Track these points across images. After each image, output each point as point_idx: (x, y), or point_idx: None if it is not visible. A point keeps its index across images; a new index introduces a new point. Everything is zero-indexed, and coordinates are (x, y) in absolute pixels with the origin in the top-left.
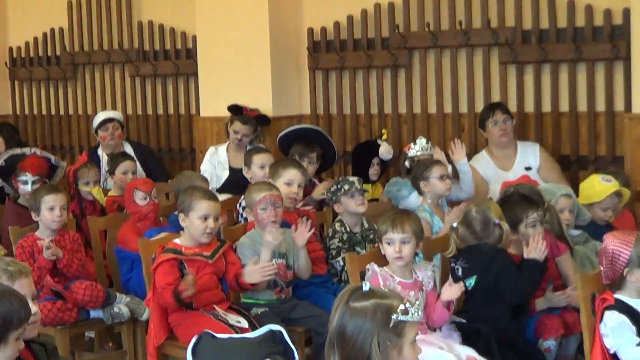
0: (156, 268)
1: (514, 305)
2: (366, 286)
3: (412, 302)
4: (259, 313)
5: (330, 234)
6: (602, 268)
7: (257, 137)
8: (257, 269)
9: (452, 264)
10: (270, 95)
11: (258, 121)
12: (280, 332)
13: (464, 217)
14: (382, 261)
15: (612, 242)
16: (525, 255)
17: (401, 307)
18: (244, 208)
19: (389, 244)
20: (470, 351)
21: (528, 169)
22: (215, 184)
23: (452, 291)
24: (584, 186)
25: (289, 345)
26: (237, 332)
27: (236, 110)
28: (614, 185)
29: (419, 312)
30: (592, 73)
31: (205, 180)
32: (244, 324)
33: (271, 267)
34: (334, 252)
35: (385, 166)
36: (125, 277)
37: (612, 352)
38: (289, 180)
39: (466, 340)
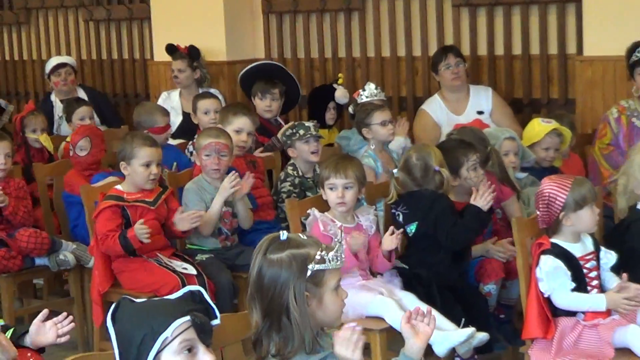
0: (98, 215)
1: (453, 251)
2: (283, 236)
3: (330, 248)
4: (204, 259)
5: (282, 178)
6: (538, 212)
7: (205, 80)
8: (185, 217)
9: (393, 210)
10: (224, 39)
11: (190, 55)
12: (199, 292)
13: (404, 163)
14: (324, 206)
15: (548, 185)
16: (471, 201)
17: (317, 256)
18: (191, 153)
19: (331, 189)
20: (410, 297)
21: (480, 112)
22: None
23: (392, 241)
24: (525, 130)
25: (209, 304)
26: (183, 281)
27: (171, 50)
28: (553, 124)
29: (339, 258)
30: (545, 15)
31: (166, 111)
32: (191, 270)
33: (198, 214)
34: (284, 196)
35: (342, 110)
36: (73, 224)
37: (546, 296)
38: (239, 127)
39: (407, 286)
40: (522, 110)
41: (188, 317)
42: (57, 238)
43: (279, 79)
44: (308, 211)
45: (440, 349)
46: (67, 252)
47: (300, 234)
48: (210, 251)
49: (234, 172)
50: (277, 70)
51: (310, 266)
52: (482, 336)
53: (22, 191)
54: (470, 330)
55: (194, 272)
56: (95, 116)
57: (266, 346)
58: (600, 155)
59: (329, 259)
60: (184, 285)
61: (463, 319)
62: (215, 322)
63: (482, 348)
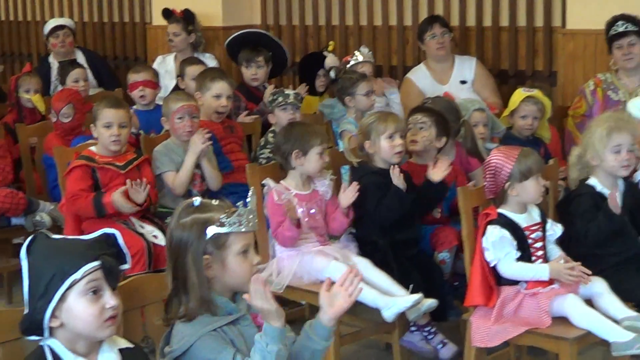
0: (68, 173)
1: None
2: (196, 202)
3: (236, 211)
4: None
5: (262, 144)
6: (485, 182)
7: (200, 44)
8: (136, 189)
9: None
10: (220, 4)
11: (185, 19)
12: (114, 235)
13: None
14: (280, 175)
15: (495, 156)
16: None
17: (218, 219)
18: None
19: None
20: (365, 262)
21: (463, 82)
22: (162, 93)
23: (347, 195)
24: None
25: (121, 248)
26: (149, 245)
27: (167, 14)
28: (534, 92)
29: (242, 223)
30: None
31: (139, 68)
32: (160, 240)
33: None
34: (263, 162)
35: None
36: (52, 185)
37: (492, 265)
38: (217, 93)
39: (363, 252)
40: (507, 81)
41: (99, 262)
42: (34, 199)
43: (265, 45)
44: (263, 182)
45: (387, 314)
46: (44, 213)
47: (213, 200)
48: None
49: (204, 129)
50: (263, 37)
51: (209, 229)
52: (431, 302)
53: (1, 150)
54: (418, 296)
55: (163, 243)
56: (91, 77)
57: (175, 308)
58: (573, 125)
59: (229, 222)
60: (149, 249)
61: (411, 285)
62: (125, 266)
63: (437, 315)
